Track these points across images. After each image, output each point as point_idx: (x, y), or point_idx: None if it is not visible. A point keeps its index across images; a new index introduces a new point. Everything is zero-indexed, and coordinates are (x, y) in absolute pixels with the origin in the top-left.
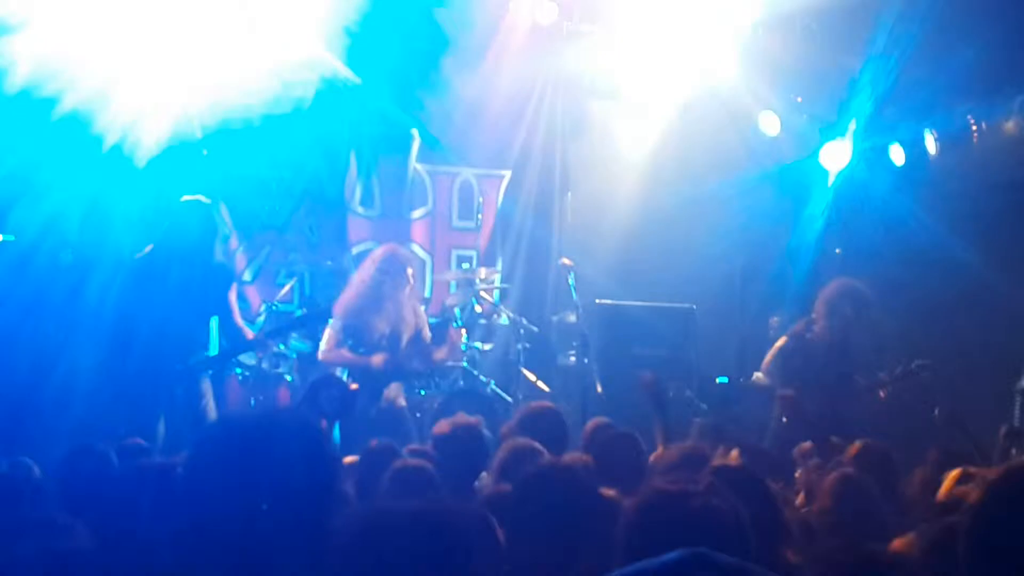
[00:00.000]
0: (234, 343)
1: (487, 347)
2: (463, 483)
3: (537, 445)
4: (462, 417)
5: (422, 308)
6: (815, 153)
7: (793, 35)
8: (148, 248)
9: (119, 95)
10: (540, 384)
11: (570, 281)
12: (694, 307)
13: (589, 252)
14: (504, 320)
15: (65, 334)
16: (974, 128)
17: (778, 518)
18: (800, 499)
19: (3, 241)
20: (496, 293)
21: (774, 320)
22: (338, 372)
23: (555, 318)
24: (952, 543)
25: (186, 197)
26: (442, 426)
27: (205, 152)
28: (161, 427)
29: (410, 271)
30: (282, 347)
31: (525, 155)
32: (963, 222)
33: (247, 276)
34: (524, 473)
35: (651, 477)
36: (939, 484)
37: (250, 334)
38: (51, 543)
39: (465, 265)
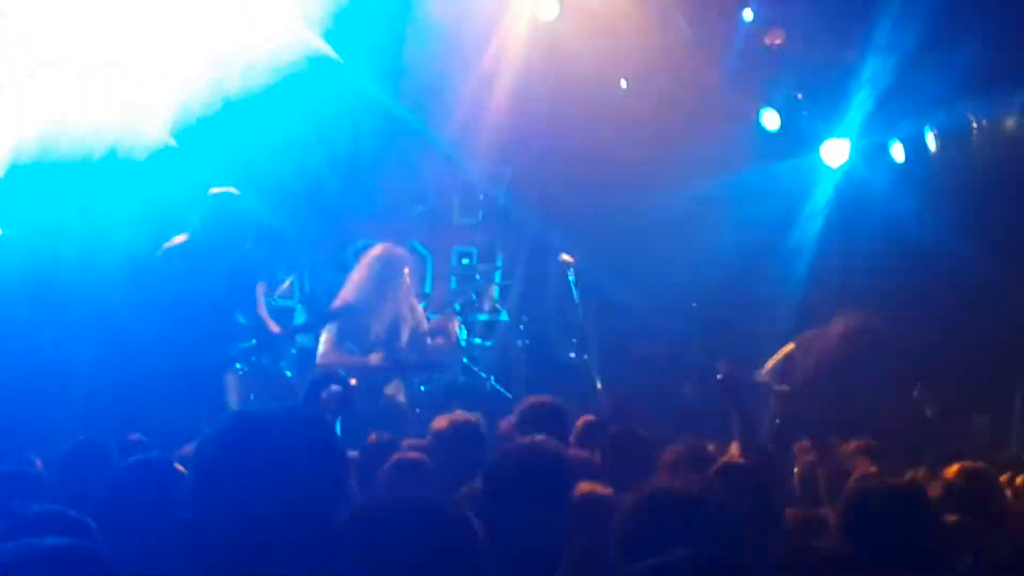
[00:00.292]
0: (260, 335)
1: (487, 343)
2: (460, 478)
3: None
4: (460, 413)
5: (420, 305)
6: (816, 151)
7: (793, 33)
8: (181, 238)
9: (116, 90)
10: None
11: (570, 279)
12: (694, 306)
13: (589, 250)
14: (504, 317)
15: (72, 329)
16: (974, 126)
17: (776, 515)
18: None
19: (2, 236)
20: (496, 290)
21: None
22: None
23: (555, 316)
24: None
25: (216, 189)
26: (439, 422)
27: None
28: (194, 419)
29: (406, 271)
30: None
31: (526, 154)
32: (963, 220)
33: None
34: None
35: (655, 475)
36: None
37: (274, 327)
38: (60, 539)
39: (465, 261)
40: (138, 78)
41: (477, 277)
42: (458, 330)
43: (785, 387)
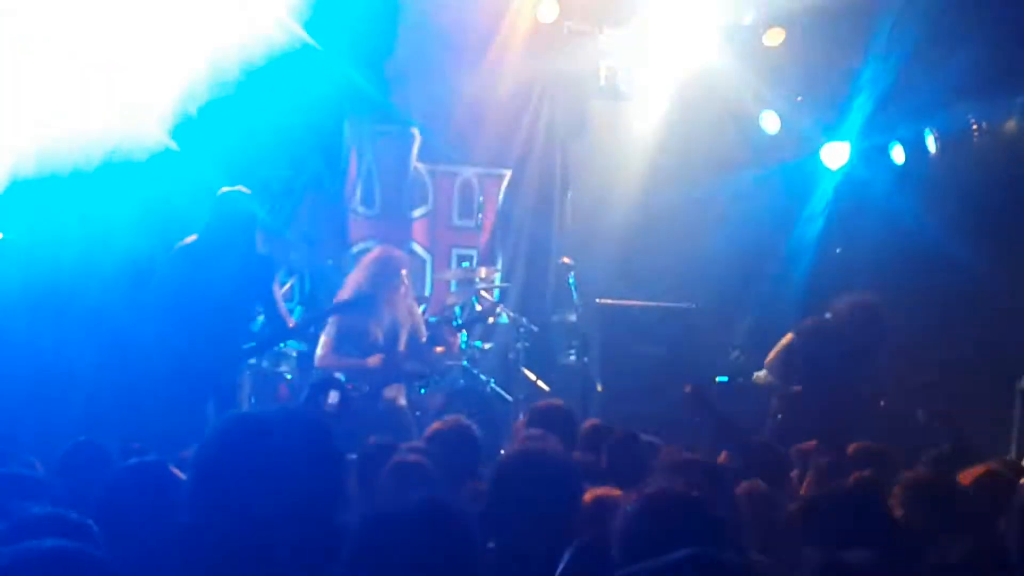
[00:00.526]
0: (278, 331)
1: (487, 346)
2: (456, 480)
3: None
4: (454, 418)
5: (419, 308)
6: (816, 152)
7: (793, 34)
8: (191, 238)
9: (112, 91)
10: (540, 384)
11: (570, 280)
12: (694, 307)
13: (589, 251)
14: (504, 319)
15: (72, 332)
16: (975, 128)
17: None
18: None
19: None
20: (496, 292)
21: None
22: (337, 373)
23: (555, 317)
24: None
25: (225, 188)
26: (435, 426)
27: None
28: (209, 417)
29: (404, 273)
30: (282, 345)
31: (525, 154)
32: (963, 222)
33: None
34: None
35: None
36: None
37: (292, 323)
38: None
39: (465, 264)
40: (138, 78)
41: (477, 280)
42: (461, 339)
43: (794, 388)
